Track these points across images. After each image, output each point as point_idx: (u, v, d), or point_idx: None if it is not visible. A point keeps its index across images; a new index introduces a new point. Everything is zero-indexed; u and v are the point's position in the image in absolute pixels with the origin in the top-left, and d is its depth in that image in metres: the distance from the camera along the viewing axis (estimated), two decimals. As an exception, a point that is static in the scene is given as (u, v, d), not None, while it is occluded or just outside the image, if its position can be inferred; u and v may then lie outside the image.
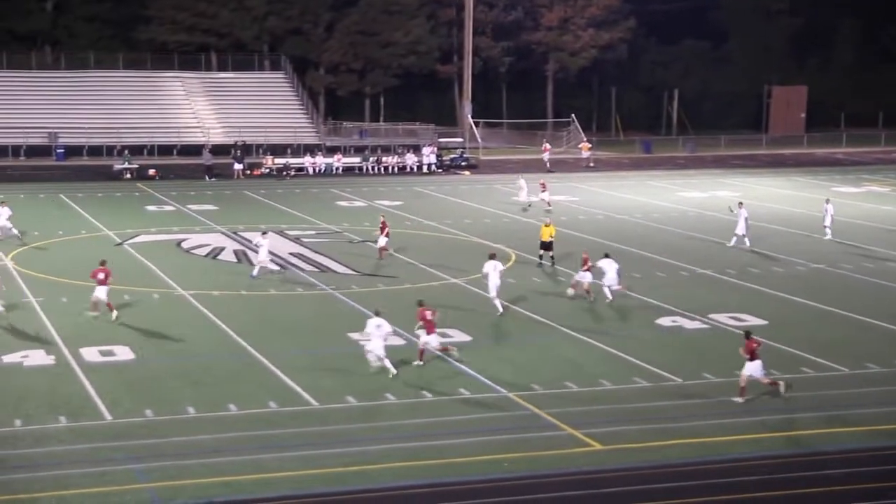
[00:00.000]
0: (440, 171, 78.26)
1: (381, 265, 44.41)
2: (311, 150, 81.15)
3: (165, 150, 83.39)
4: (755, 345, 27.60)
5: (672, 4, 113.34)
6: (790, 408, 27.27)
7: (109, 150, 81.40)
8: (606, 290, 37.84)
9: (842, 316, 36.89)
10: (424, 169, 78.29)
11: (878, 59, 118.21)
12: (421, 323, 30.55)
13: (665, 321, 35.68)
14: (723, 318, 35.92)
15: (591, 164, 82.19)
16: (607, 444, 24.63)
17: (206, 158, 73.43)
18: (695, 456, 24.11)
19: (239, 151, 74.83)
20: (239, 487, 22.05)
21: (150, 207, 59.41)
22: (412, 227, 53.63)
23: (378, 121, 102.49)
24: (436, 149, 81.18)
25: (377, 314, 29.80)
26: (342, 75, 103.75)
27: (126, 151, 76.59)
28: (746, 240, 48.46)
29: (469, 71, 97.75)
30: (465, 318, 35.69)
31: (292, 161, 76.62)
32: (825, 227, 50.92)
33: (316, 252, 46.87)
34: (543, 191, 58.62)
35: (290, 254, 46.35)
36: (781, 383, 28.03)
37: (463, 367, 30.08)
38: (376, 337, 29.28)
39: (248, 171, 73.65)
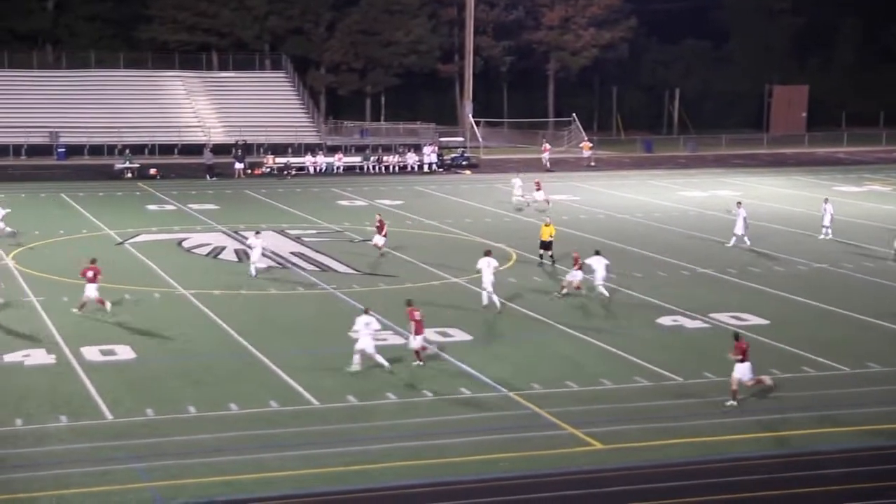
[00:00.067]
0: (441, 170, 78.26)
1: (380, 262, 44.48)
2: (312, 149, 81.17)
3: (166, 149, 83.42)
4: (745, 346, 27.54)
5: (673, 4, 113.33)
6: (790, 407, 27.27)
7: (110, 150, 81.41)
8: (600, 288, 38.04)
9: (843, 315, 36.89)
10: (425, 168, 78.31)
11: (880, 58, 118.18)
12: (414, 323, 30.56)
13: (666, 320, 35.68)
14: (724, 317, 35.92)
15: (593, 164, 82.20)
16: (608, 443, 24.64)
17: (207, 158, 73.45)
18: (695, 455, 24.12)
19: (240, 151, 74.84)
20: (240, 487, 22.07)
21: (151, 207, 59.43)
22: (413, 227, 53.65)
23: (379, 120, 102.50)
24: (437, 148, 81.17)
25: (366, 312, 29.81)
26: (343, 74, 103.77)
27: (127, 151, 76.62)
28: (746, 239, 48.47)
29: (470, 70, 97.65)
30: (466, 317, 35.72)
31: (293, 160, 76.62)
32: (824, 226, 50.85)
33: (317, 251, 46.88)
34: (538, 190, 58.59)
35: (292, 253, 46.37)
36: (767, 378, 27.87)
37: (462, 364, 30.10)
38: (365, 335, 29.31)
39: (249, 171, 73.67)
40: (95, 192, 64.72)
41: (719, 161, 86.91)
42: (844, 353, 31.95)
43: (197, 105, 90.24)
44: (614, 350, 32.08)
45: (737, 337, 27.85)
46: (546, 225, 44.69)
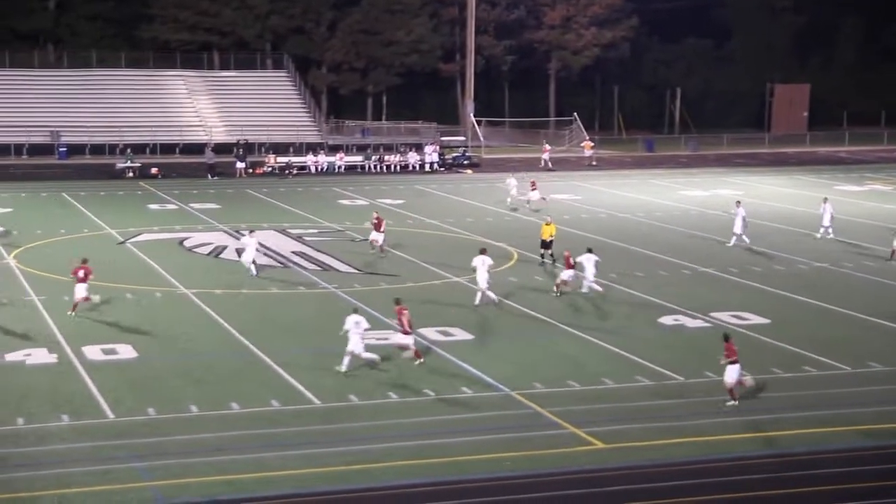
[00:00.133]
0: (442, 169, 78.26)
1: (380, 260, 44.53)
2: (313, 148, 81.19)
3: (168, 148, 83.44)
4: (735, 348, 27.50)
5: (674, 3, 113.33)
6: (792, 406, 27.26)
7: (112, 149, 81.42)
8: (589, 285, 38.26)
9: (844, 314, 36.88)
10: (427, 167, 78.31)
11: (881, 57, 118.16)
12: (405, 322, 30.57)
13: (667, 320, 35.68)
14: (725, 316, 35.91)
15: (594, 163, 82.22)
16: (609, 442, 24.64)
17: (209, 157, 73.45)
18: (697, 454, 24.11)
19: (241, 150, 74.84)
20: (241, 486, 22.07)
21: (153, 206, 59.43)
22: (414, 226, 53.66)
23: (380, 119, 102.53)
24: (438, 147, 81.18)
25: (355, 311, 29.79)
26: (344, 74, 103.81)
27: (128, 150, 76.61)
28: (745, 237, 48.51)
29: (471, 69, 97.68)
30: (467, 316, 35.75)
31: (294, 160, 76.65)
32: (823, 226, 50.76)
33: (318, 250, 46.89)
34: (533, 189, 58.56)
35: (293, 252, 46.38)
36: (748, 379, 27.78)
37: (464, 364, 30.11)
38: (355, 334, 29.30)
39: (251, 170, 73.67)
40: (97, 191, 64.74)
41: (721, 160, 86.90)
42: (846, 352, 31.94)
43: (198, 104, 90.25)
44: (616, 349, 32.08)
45: (727, 338, 27.81)
46: (547, 224, 44.69)
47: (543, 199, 58.10)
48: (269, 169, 74.69)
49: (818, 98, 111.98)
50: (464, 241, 49.35)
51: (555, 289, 38.80)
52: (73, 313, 34.92)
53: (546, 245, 43.96)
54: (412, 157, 79.00)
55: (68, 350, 31.22)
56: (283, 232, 51.34)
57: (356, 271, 42.86)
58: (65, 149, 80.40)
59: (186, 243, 48.57)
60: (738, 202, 50.43)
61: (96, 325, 34.06)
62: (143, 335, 32.98)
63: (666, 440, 24.85)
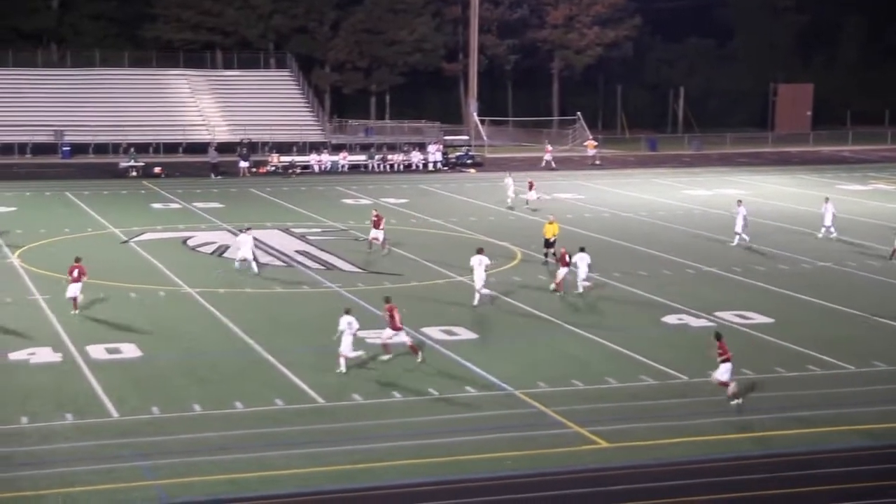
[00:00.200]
0: (446, 168, 78.25)
1: (380, 257, 44.59)
2: (316, 147, 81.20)
3: (171, 147, 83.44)
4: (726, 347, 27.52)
5: (677, 2, 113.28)
6: (796, 406, 27.24)
7: (115, 148, 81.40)
8: (583, 284, 38.34)
9: (848, 314, 36.85)
10: (430, 167, 78.29)
11: (884, 56, 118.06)
12: (397, 319, 30.57)
13: (671, 319, 35.67)
14: (729, 315, 35.90)
15: (597, 162, 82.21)
16: (613, 441, 24.64)
17: (212, 156, 73.46)
18: (701, 454, 24.11)
19: (245, 149, 74.86)
20: (245, 485, 22.08)
21: (156, 205, 59.46)
22: (418, 225, 53.66)
23: (384, 119, 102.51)
24: (441, 147, 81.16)
25: (347, 312, 29.77)
26: (348, 73, 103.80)
27: (132, 149, 76.64)
28: (745, 236, 48.54)
29: (475, 69, 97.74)
30: (471, 315, 35.74)
31: (298, 159, 76.67)
32: (825, 226, 50.67)
33: (321, 250, 46.89)
34: (531, 189, 58.51)
35: (296, 251, 46.39)
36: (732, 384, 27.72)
37: (467, 363, 30.12)
38: (348, 334, 29.29)
39: (254, 169, 73.67)
40: (100, 190, 64.77)
41: (724, 159, 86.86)
42: (850, 351, 31.92)
43: (201, 104, 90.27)
44: (620, 349, 32.08)
45: (718, 337, 27.79)
46: (550, 223, 44.70)
47: (539, 198, 57.96)
48: (273, 168, 74.68)
49: (821, 97, 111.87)
50: (467, 241, 49.28)
51: (555, 287, 38.83)
52: (76, 311, 34.95)
53: (549, 244, 43.94)
54: (415, 157, 78.98)
55: (72, 349, 31.24)
56: (287, 231, 51.35)
57: (360, 270, 42.87)
58: (68, 148, 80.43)
59: (190, 242, 48.59)
60: (740, 201, 50.44)
61: (100, 324, 34.08)
62: (147, 334, 33.00)
63: (670, 439, 24.85)
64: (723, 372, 27.16)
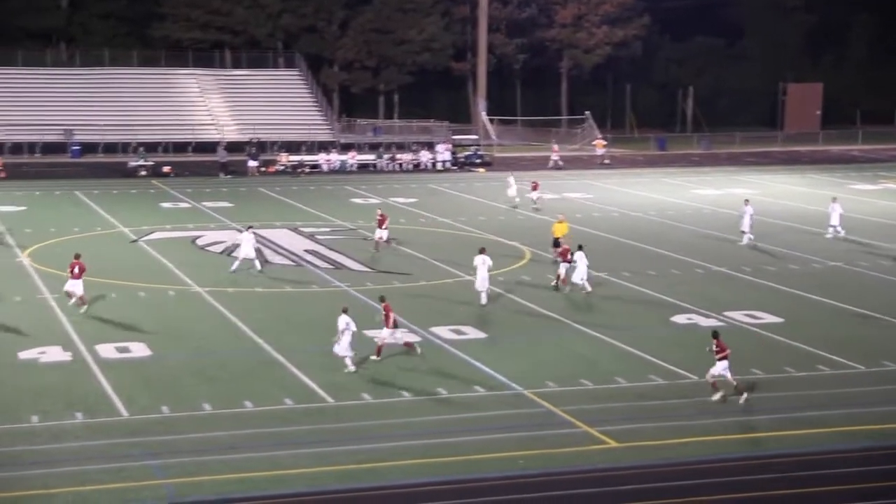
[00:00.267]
0: (454, 168, 78.23)
1: (394, 255, 44.60)
2: (325, 147, 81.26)
3: (180, 147, 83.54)
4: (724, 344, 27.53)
5: (686, 1, 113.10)
6: (806, 405, 27.21)
7: (124, 147, 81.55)
8: (579, 282, 38.40)
9: (857, 313, 36.78)
10: (439, 166, 78.28)
11: (893, 55, 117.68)
12: (393, 318, 30.58)
13: (680, 318, 35.64)
14: (738, 315, 35.86)
15: (606, 162, 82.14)
16: (623, 441, 24.63)
17: (221, 155, 73.53)
18: (710, 453, 24.09)
19: (254, 148, 74.97)
20: (254, 484, 22.12)
21: (165, 204, 59.54)
22: (427, 225, 53.67)
23: (392, 118, 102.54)
24: (450, 146, 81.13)
25: (345, 311, 29.77)
26: (356, 72, 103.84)
27: (141, 148, 76.75)
28: (750, 235, 48.54)
29: (483, 68, 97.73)
30: (480, 314, 35.74)
31: (307, 158, 76.72)
32: (831, 225, 50.58)
33: (330, 249, 46.92)
34: (534, 189, 58.46)
35: (305, 251, 46.43)
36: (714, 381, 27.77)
37: (476, 363, 30.12)
38: (346, 333, 29.30)
39: (263, 169, 73.72)
40: (109, 189, 64.88)
41: (733, 159, 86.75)
42: (860, 351, 31.87)
43: (210, 103, 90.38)
44: (629, 348, 32.06)
45: (716, 335, 27.78)
46: (559, 222, 44.69)
47: (539, 198, 57.87)
48: (282, 167, 74.73)
49: (831, 97, 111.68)
50: (476, 240, 49.23)
51: (561, 284, 38.86)
52: (85, 307, 35.01)
53: (558, 244, 43.91)
54: (424, 156, 78.96)
55: (82, 348, 31.30)
56: (296, 230, 51.39)
57: (369, 270, 42.89)
58: (78, 147, 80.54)
59: (199, 241, 48.64)
60: (747, 200, 50.39)
61: (109, 323, 34.13)
62: (156, 333, 33.04)
63: (679, 439, 24.83)
64: (719, 369, 27.19)
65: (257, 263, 41.50)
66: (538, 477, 22.71)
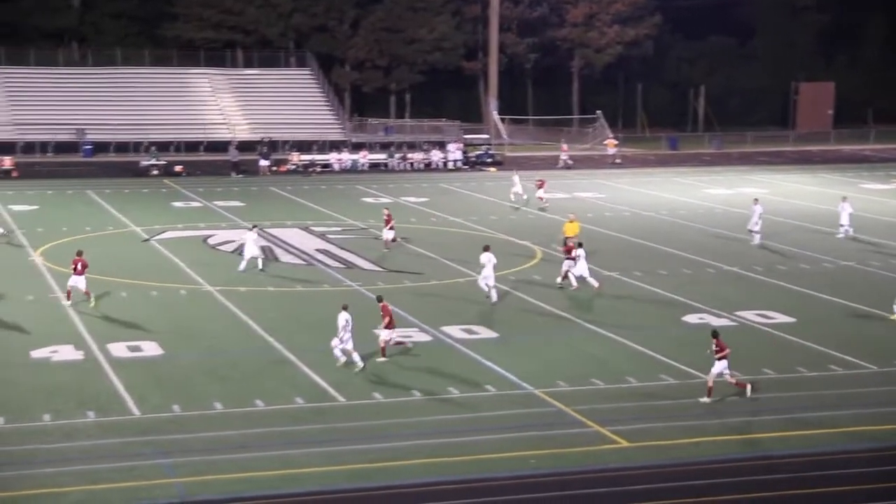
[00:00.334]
0: (466, 167, 78.22)
1: (404, 251, 44.58)
2: (336, 146, 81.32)
3: (192, 146, 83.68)
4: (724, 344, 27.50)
5: (698, 0, 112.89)
6: (818, 405, 27.15)
7: (136, 147, 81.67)
8: (574, 279, 38.51)
9: (870, 313, 36.67)
10: (450, 165, 78.29)
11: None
12: (388, 318, 30.58)
13: (692, 318, 35.58)
14: (750, 315, 35.79)
15: (618, 161, 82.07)
16: (634, 441, 24.60)
17: (233, 155, 73.65)
18: (722, 453, 24.06)
19: (265, 148, 75.06)
20: (265, 483, 22.14)
21: (177, 204, 59.62)
22: (438, 224, 53.67)
23: (404, 117, 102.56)
24: (461, 145, 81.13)
25: (345, 309, 29.76)
26: (368, 72, 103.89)
27: (153, 148, 76.86)
28: (759, 234, 48.45)
29: (494, 67, 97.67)
30: (491, 314, 35.73)
31: (318, 157, 76.77)
32: (841, 225, 50.46)
33: (342, 248, 46.95)
34: (540, 188, 58.39)
35: (317, 250, 46.47)
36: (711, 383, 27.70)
37: (487, 362, 30.13)
38: (347, 331, 29.30)
39: (275, 168, 73.79)
40: (121, 188, 65.01)
41: (744, 158, 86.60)
42: (872, 351, 31.78)
43: (222, 102, 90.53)
44: (640, 348, 32.02)
45: (715, 335, 27.73)
46: (570, 222, 44.66)
47: (541, 198, 57.86)
48: (293, 167, 74.78)
49: (843, 96, 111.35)
50: (488, 239, 49.24)
51: (562, 280, 38.95)
52: (93, 303, 35.11)
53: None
54: (435, 155, 78.96)
55: (94, 347, 31.37)
56: (307, 230, 51.43)
57: (380, 269, 42.90)
58: (90, 146, 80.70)
59: (210, 241, 48.71)
60: (756, 200, 50.31)
61: (121, 322, 34.20)
62: (168, 332, 33.09)
63: (690, 439, 24.80)
64: (719, 369, 27.16)
65: (260, 262, 41.56)
66: (549, 476, 22.70)
